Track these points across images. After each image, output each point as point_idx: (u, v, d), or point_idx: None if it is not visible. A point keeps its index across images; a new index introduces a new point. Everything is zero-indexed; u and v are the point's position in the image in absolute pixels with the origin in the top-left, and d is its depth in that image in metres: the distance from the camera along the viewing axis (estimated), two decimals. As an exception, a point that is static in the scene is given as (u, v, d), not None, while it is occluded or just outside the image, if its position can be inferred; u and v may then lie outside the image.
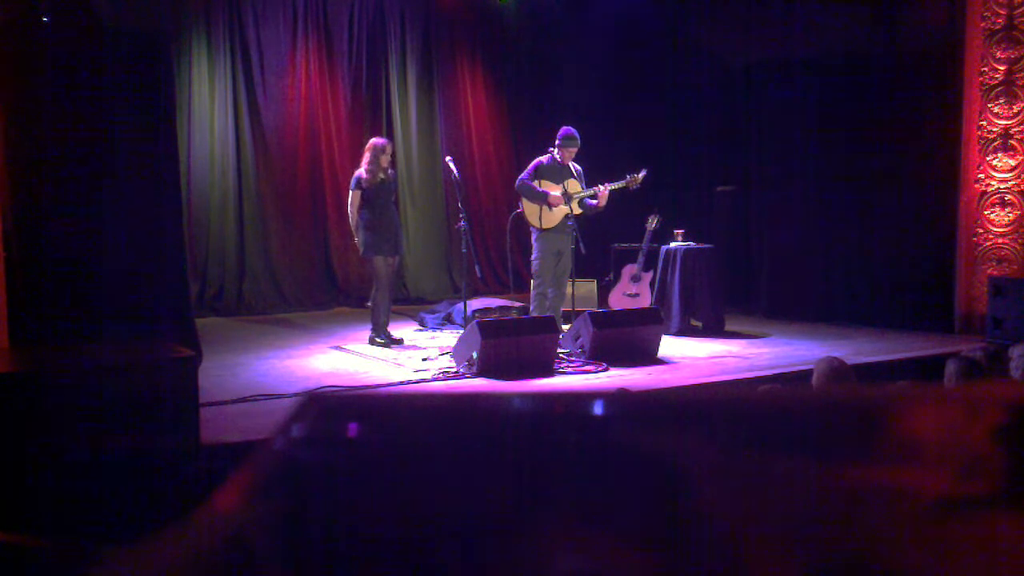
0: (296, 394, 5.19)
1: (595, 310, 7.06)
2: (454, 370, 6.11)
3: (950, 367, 3.92)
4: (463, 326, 6.91)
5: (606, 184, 6.96)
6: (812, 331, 7.83)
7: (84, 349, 4.56)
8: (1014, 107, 7.35)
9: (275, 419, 0.65)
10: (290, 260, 9.66)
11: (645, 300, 8.04)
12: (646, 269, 8.21)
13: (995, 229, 7.51)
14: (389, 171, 7.20)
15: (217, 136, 9.33)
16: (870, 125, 8.25)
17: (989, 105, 7.45)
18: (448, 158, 7.61)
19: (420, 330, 8.13)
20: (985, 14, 7.42)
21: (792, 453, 0.59)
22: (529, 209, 7.05)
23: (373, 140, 7.27)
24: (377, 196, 7.05)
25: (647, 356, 6.54)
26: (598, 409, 0.63)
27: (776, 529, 0.55)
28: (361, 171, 7.08)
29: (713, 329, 7.78)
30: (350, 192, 7.14)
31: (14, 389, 3.72)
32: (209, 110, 9.28)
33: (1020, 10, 7.27)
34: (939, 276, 7.83)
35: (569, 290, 7.20)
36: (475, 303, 8.13)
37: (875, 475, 0.58)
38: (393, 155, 7.35)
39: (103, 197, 5.12)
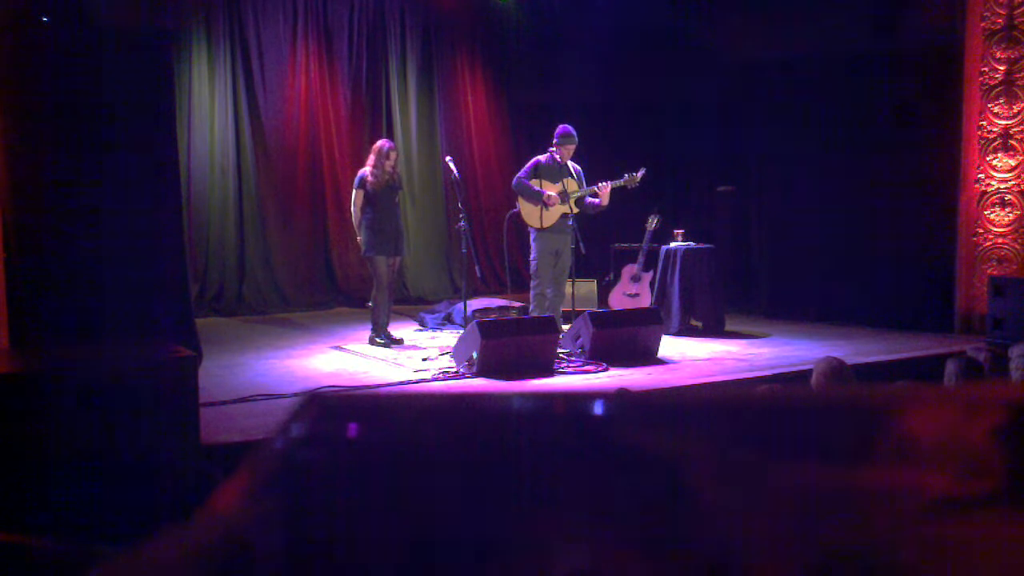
0: (296, 394, 5.20)
1: (595, 310, 7.07)
2: (454, 370, 6.11)
3: (950, 367, 3.92)
4: (463, 326, 6.91)
5: (607, 182, 6.96)
6: (812, 331, 7.83)
7: (84, 349, 4.56)
8: (1014, 107, 7.35)
9: (275, 419, 0.65)
10: (290, 260, 9.66)
11: (645, 300, 8.04)
12: (646, 269, 8.21)
13: (995, 229, 7.51)
14: (395, 173, 7.19)
15: (217, 136, 9.33)
16: (870, 125, 8.25)
17: (989, 105, 7.45)
18: (448, 158, 7.61)
19: (420, 330, 8.13)
20: (985, 14, 7.42)
21: (792, 453, 0.59)
22: (527, 209, 7.04)
23: (379, 143, 7.26)
24: (381, 197, 7.05)
25: (647, 356, 6.54)
26: (598, 409, 0.63)
27: (776, 529, 0.55)
28: (366, 171, 7.09)
29: (713, 329, 7.78)
30: (353, 191, 7.14)
31: (14, 389, 3.72)
32: (209, 110, 9.29)
33: (1020, 10, 7.27)
34: (939, 276, 7.83)
35: (569, 290, 7.20)
36: (475, 303, 8.13)
37: (875, 475, 0.58)
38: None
39: (103, 197, 5.12)
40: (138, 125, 5.27)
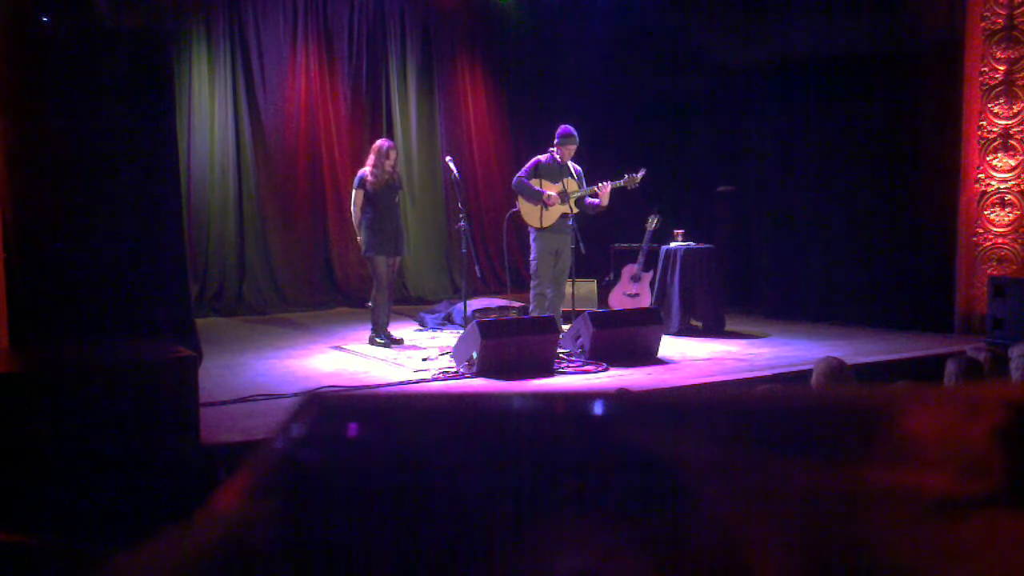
0: (296, 394, 5.20)
1: (595, 310, 7.07)
2: (454, 370, 6.11)
3: (950, 367, 3.92)
4: (463, 326, 6.91)
5: (607, 182, 6.96)
6: (812, 331, 7.83)
7: (84, 349, 4.56)
8: (1014, 107, 7.35)
9: (275, 419, 0.65)
10: (290, 260, 9.66)
11: (645, 300, 8.04)
12: (646, 269, 8.21)
13: (995, 229, 7.51)
14: (395, 173, 7.19)
15: (217, 136, 9.33)
16: (870, 125, 8.25)
17: (989, 105, 7.45)
18: (448, 158, 7.61)
19: (420, 330, 8.13)
20: (985, 14, 7.42)
21: (792, 453, 0.59)
22: (526, 208, 7.04)
23: (378, 142, 7.26)
24: (381, 197, 7.05)
25: (647, 356, 6.54)
26: (598, 409, 0.63)
27: (776, 529, 0.55)
28: (366, 171, 7.09)
29: (713, 329, 7.78)
30: (353, 191, 7.14)
31: (14, 389, 3.72)
32: (209, 110, 9.29)
33: (1020, 10, 7.27)
34: (939, 276, 7.83)
35: (569, 290, 7.20)
36: (475, 303, 8.13)
37: (875, 475, 0.58)
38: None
39: (103, 197, 5.12)
40: (138, 125, 5.27)
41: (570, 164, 7.13)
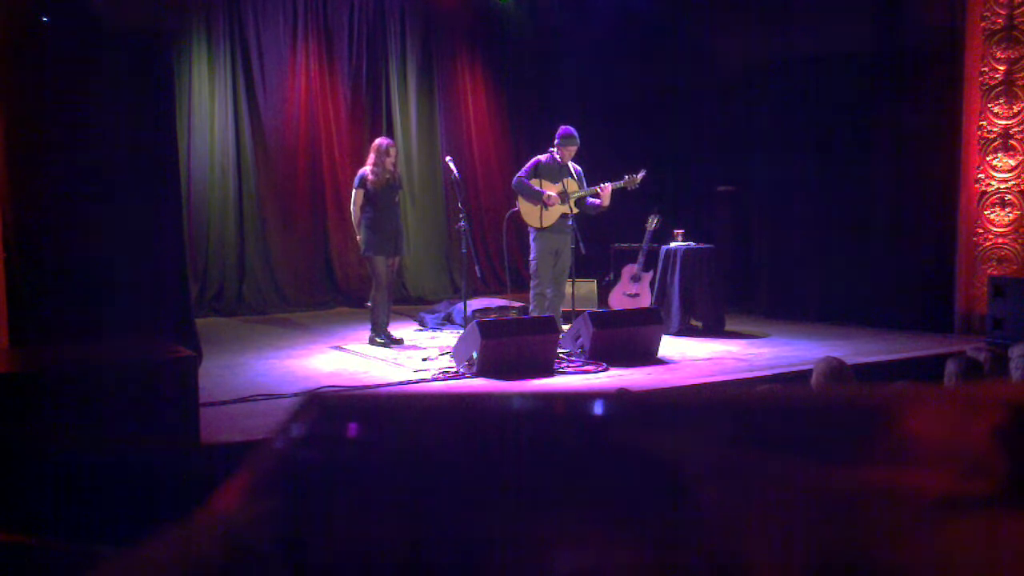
0: (296, 394, 5.20)
1: (595, 310, 7.07)
2: (454, 370, 6.11)
3: (950, 367, 3.92)
4: (463, 326, 6.91)
5: (608, 183, 6.97)
6: (812, 331, 7.83)
7: (84, 349, 4.56)
8: (1014, 107, 7.35)
9: (275, 419, 0.65)
10: (290, 260, 9.66)
11: (645, 300, 8.04)
12: (646, 269, 8.21)
13: (995, 229, 7.51)
14: (395, 172, 7.19)
15: (217, 136, 9.33)
16: (870, 125, 8.25)
17: (989, 105, 7.45)
18: (448, 158, 7.61)
19: (420, 330, 8.13)
20: (985, 14, 7.42)
21: (792, 453, 0.59)
22: (526, 208, 7.04)
23: (377, 140, 7.26)
24: (381, 196, 7.04)
25: (647, 356, 6.54)
26: (598, 409, 0.63)
27: (776, 529, 0.55)
28: (366, 170, 7.08)
29: (713, 329, 7.78)
30: (353, 190, 7.14)
31: (14, 389, 3.72)
32: (209, 110, 9.28)
33: (1020, 10, 7.27)
34: (939, 276, 7.83)
35: (569, 290, 7.20)
36: (475, 303, 8.13)
37: (875, 475, 0.58)
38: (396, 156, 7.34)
39: (103, 197, 5.12)
40: (138, 125, 5.27)
41: (570, 164, 7.13)
